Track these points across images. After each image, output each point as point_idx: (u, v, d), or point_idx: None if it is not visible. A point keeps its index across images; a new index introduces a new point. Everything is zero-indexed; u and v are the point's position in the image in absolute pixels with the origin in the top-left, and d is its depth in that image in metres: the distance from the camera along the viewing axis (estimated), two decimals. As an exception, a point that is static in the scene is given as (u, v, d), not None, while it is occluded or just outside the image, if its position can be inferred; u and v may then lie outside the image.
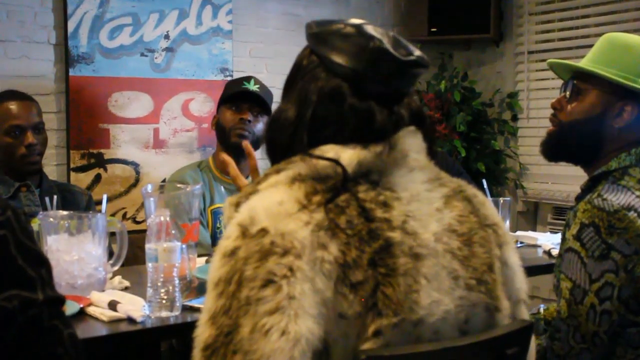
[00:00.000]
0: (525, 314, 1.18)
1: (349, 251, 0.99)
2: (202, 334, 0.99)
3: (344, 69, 1.11)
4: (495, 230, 1.14)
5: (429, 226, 1.06)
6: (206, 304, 1.00)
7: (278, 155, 1.13)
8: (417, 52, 1.13)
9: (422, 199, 1.08)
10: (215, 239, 2.55)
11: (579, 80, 1.71)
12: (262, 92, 2.67)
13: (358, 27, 1.13)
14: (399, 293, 0.99)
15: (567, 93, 1.72)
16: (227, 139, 2.62)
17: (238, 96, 2.64)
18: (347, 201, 1.03)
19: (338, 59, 1.11)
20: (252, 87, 2.65)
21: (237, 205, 1.07)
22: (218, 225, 2.58)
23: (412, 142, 1.11)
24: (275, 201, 1.02)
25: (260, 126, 2.65)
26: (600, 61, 1.68)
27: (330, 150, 1.08)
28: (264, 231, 0.99)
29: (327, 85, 1.11)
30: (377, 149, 1.08)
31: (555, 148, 1.76)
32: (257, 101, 2.64)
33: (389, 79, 1.11)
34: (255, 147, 2.65)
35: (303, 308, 0.95)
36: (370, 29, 1.12)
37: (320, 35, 1.16)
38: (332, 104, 1.10)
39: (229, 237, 1.01)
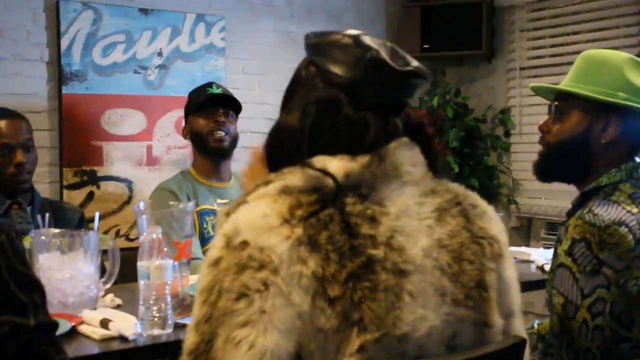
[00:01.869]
0: (518, 327, 1.16)
1: (327, 266, 1.00)
2: (187, 340, 1.02)
3: (341, 79, 1.12)
4: (490, 243, 1.13)
5: (418, 241, 1.06)
6: (193, 311, 1.03)
7: (280, 164, 1.13)
8: (415, 63, 1.14)
9: (412, 214, 1.08)
10: (203, 239, 2.59)
11: (561, 101, 1.73)
12: (226, 92, 2.78)
13: (355, 38, 1.14)
14: (380, 308, 1.00)
15: (552, 115, 1.74)
16: (206, 144, 2.72)
17: (208, 101, 2.73)
18: (331, 216, 1.03)
19: (335, 69, 1.13)
20: (217, 91, 2.75)
21: (229, 215, 1.08)
22: (205, 226, 2.62)
23: (404, 154, 1.11)
24: (259, 214, 1.03)
25: (233, 126, 2.76)
26: (579, 79, 1.70)
27: (317, 161, 1.08)
28: (244, 244, 1.00)
29: (325, 96, 1.12)
30: (365, 160, 1.08)
31: (546, 169, 1.78)
32: (224, 103, 2.74)
33: (386, 89, 1.12)
34: (232, 147, 2.75)
35: (272, 322, 0.97)
36: (367, 40, 1.13)
37: (318, 46, 1.17)
38: (328, 114, 1.12)
39: (215, 247, 1.03)
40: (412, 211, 1.08)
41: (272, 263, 0.98)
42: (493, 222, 1.16)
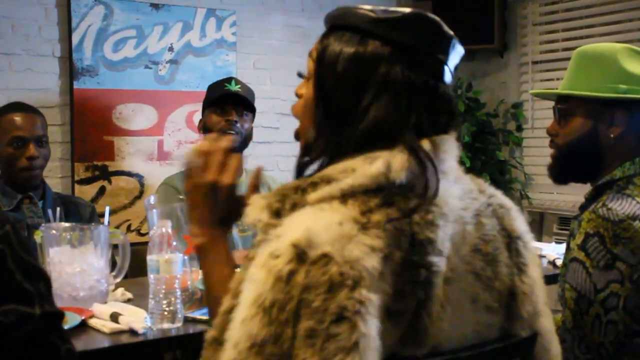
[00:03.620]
0: (544, 325, 1.14)
1: (396, 280, 0.94)
2: None
3: (430, 57, 1.06)
4: (518, 243, 1.11)
5: (460, 248, 1.02)
6: (248, 327, 0.91)
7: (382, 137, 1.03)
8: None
9: (458, 220, 1.03)
10: None
11: (563, 103, 1.72)
12: (244, 91, 2.74)
13: (419, 13, 1.08)
14: (430, 322, 0.97)
15: (558, 118, 1.73)
16: None
17: (222, 99, 2.70)
18: (401, 224, 0.96)
19: (414, 41, 1.05)
20: (234, 87, 2.72)
21: (277, 211, 0.99)
22: None
23: (452, 146, 1.06)
24: (334, 221, 0.94)
25: (247, 125, 2.73)
26: (577, 78, 1.70)
27: (380, 156, 1.00)
28: (327, 257, 0.91)
29: (410, 74, 1.04)
30: (426, 147, 1.01)
31: (561, 171, 1.77)
32: (240, 101, 2.70)
33: (438, 55, 1.07)
34: (244, 146, 2.74)
35: (377, 346, 0.91)
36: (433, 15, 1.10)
37: (387, 21, 1.06)
38: (423, 94, 1.04)
39: (280, 257, 0.92)
40: (458, 215, 1.04)
41: (364, 279, 0.91)
42: (518, 220, 1.14)
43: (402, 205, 0.98)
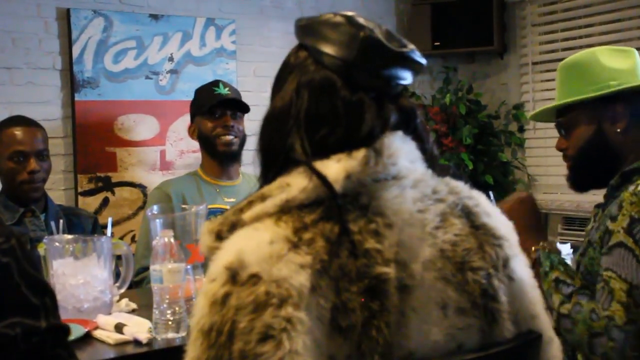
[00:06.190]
0: (542, 328, 1.10)
1: (340, 294, 0.93)
2: None
3: (333, 59, 1.04)
4: (500, 244, 1.07)
5: (420, 254, 0.99)
6: (193, 351, 0.93)
7: (276, 161, 1.05)
8: (411, 46, 1.07)
9: (415, 223, 1.01)
10: None
11: (563, 117, 1.76)
12: (233, 93, 2.78)
13: (348, 17, 1.07)
14: (388, 332, 0.94)
15: (562, 132, 1.77)
16: (215, 147, 2.73)
17: (216, 105, 2.72)
18: (339, 237, 0.95)
19: (327, 49, 1.05)
20: (224, 91, 2.75)
21: (218, 234, 1.00)
22: None
23: (401, 148, 1.03)
24: (264, 241, 0.94)
25: (241, 127, 2.77)
26: (568, 89, 1.74)
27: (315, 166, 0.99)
28: (256, 277, 0.91)
29: (317, 78, 1.04)
30: (361, 155, 0.99)
31: (580, 179, 1.79)
32: (231, 104, 2.73)
33: (380, 71, 1.05)
34: (241, 148, 2.77)
35: None
36: (361, 19, 1.07)
37: (308, 26, 1.10)
38: (324, 98, 1.04)
39: (215, 281, 0.93)
40: (415, 219, 1.01)
41: (292, 297, 0.90)
42: (500, 221, 1.11)
43: (340, 219, 0.97)
